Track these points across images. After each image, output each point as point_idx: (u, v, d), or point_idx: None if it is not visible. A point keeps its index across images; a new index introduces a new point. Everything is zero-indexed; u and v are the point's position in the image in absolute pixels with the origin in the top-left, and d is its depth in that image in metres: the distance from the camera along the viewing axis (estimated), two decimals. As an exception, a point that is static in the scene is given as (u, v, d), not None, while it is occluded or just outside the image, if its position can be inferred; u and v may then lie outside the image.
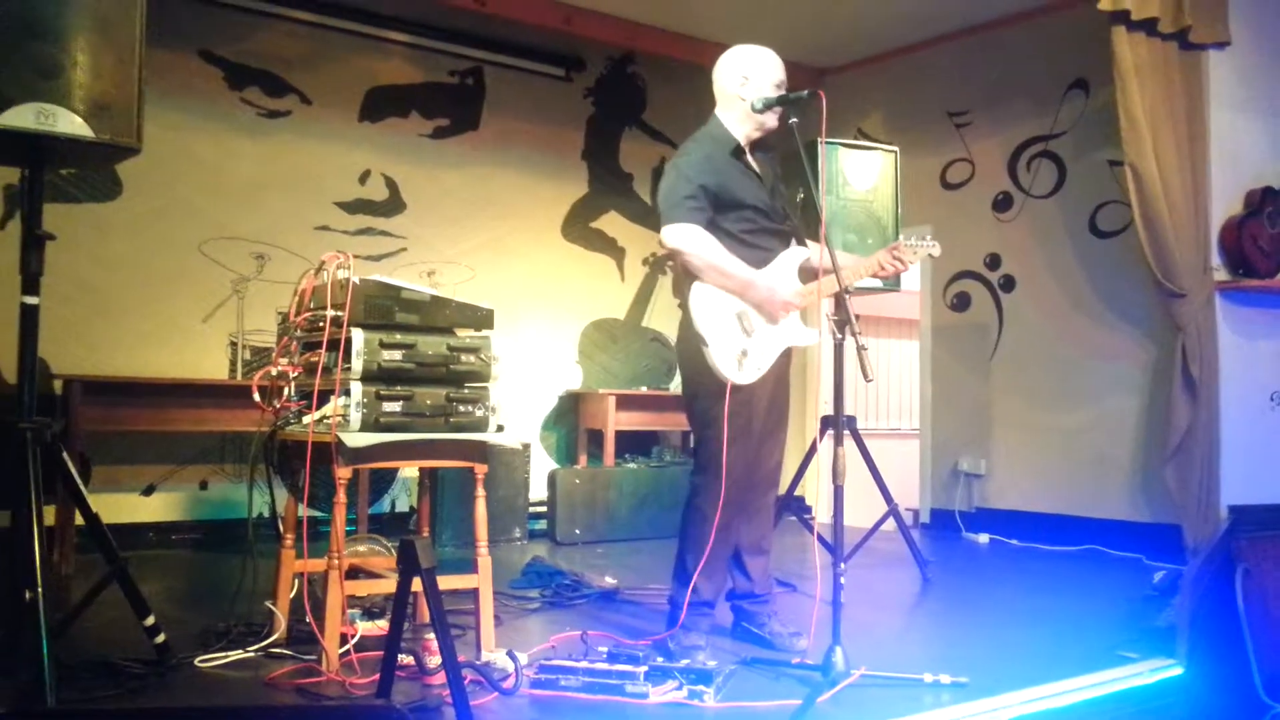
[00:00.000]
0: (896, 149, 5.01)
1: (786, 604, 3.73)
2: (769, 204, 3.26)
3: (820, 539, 4.28)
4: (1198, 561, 4.06)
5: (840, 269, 2.96)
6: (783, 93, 3.23)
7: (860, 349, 2.78)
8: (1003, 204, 6.18)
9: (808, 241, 3.35)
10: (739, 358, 3.11)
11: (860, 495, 4.32)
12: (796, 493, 5.07)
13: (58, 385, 4.74)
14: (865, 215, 4.80)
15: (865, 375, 2.75)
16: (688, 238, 3.11)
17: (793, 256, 3.26)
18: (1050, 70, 5.93)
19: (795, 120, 3.11)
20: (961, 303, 6.37)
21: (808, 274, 3.26)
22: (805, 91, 3.14)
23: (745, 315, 3.16)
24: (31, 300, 2.65)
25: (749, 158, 3.28)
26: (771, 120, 3.25)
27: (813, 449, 4.74)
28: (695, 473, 3.27)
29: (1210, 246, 4.87)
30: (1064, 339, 5.81)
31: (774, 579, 3.52)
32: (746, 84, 3.24)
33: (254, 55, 5.60)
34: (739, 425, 3.15)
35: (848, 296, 2.94)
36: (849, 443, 3.45)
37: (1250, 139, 5.03)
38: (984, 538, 5.93)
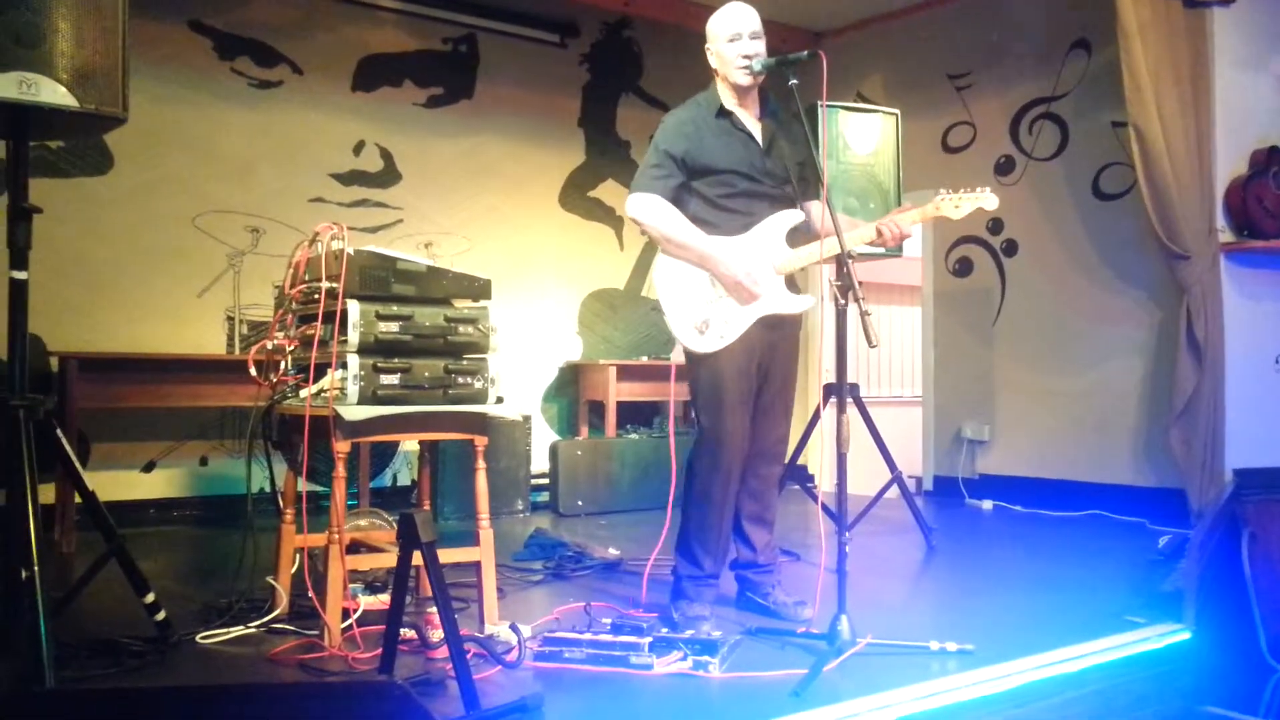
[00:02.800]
0: (897, 112, 4.95)
1: (791, 573, 3.72)
2: (759, 165, 3.20)
3: (824, 507, 4.27)
4: (1203, 525, 4.04)
5: (842, 233, 2.91)
6: (746, 46, 3.15)
7: (864, 314, 2.74)
8: (1005, 167, 6.11)
9: (809, 203, 3.29)
10: (699, 326, 3.12)
11: (863, 463, 4.29)
12: (799, 461, 5.05)
13: (54, 362, 4.70)
14: (866, 179, 4.74)
15: (869, 341, 2.70)
16: (644, 207, 3.14)
17: (781, 220, 3.20)
18: (1051, 30, 5.85)
19: (794, 82, 3.04)
20: (964, 268, 6.32)
21: (804, 237, 3.21)
22: (804, 53, 3.07)
23: (711, 283, 3.15)
24: (20, 275, 2.61)
25: (740, 117, 3.22)
26: (739, 77, 3.15)
27: (815, 417, 4.71)
28: (693, 443, 3.25)
29: (1215, 208, 4.81)
30: (1067, 303, 5.76)
31: (778, 549, 3.50)
32: (710, 47, 3.23)
33: (244, 24, 5.51)
34: (734, 394, 3.13)
35: (851, 261, 2.89)
36: (852, 410, 3.43)
37: (1255, 98, 4.96)
38: (988, 504, 5.91)
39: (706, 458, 3.18)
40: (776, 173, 3.23)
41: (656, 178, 3.15)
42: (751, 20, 3.18)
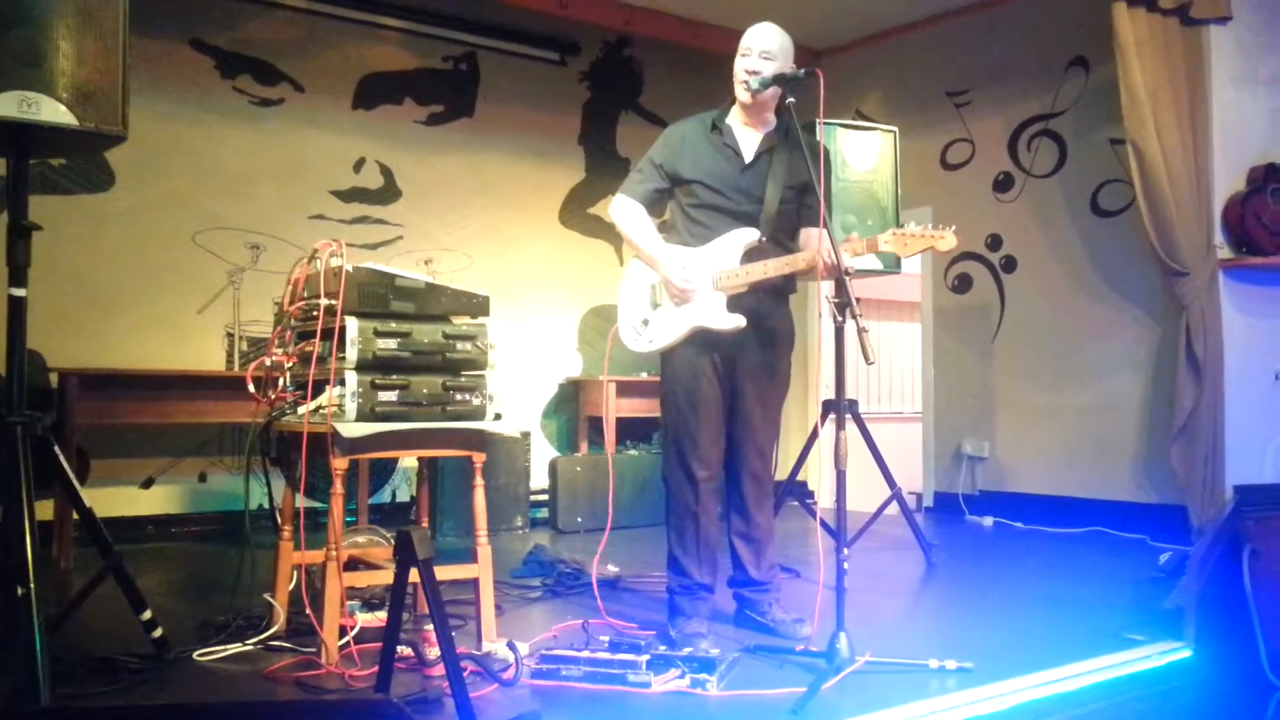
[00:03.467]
0: (895, 129, 4.96)
1: (789, 590, 3.70)
2: (729, 181, 3.22)
3: (823, 524, 4.26)
4: (1204, 542, 4.03)
5: (840, 249, 2.90)
6: (752, 63, 3.16)
7: (861, 331, 2.73)
8: (1003, 184, 6.13)
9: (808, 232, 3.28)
10: (636, 326, 3.31)
11: (863, 479, 4.29)
12: (799, 477, 5.04)
13: (54, 379, 4.70)
14: (864, 196, 4.75)
15: (866, 358, 2.70)
16: (617, 208, 3.33)
17: (736, 237, 3.20)
18: (1050, 48, 5.87)
19: (792, 100, 3.06)
20: (963, 284, 6.32)
21: (760, 256, 3.18)
22: (802, 70, 3.09)
23: (657, 289, 3.28)
24: (19, 292, 2.61)
25: (736, 133, 3.25)
26: (739, 92, 3.21)
27: (814, 433, 4.71)
28: (663, 456, 3.36)
29: (1213, 224, 4.82)
30: (1066, 319, 5.77)
31: (777, 566, 3.49)
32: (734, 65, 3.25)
33: (245, 43, 5.54)
34: (694, 404, 3.18)
35: (848, 278, 2.89)
36: (851, 427, 3.42)
37: (1253, 115, 4.98)
38: (988, 520, 5.90)
39: (674, 466, 3.24)
40: (749, 190, 3.22)
41: (636, 182, 3.31)
42: (766, 40, 3.20)
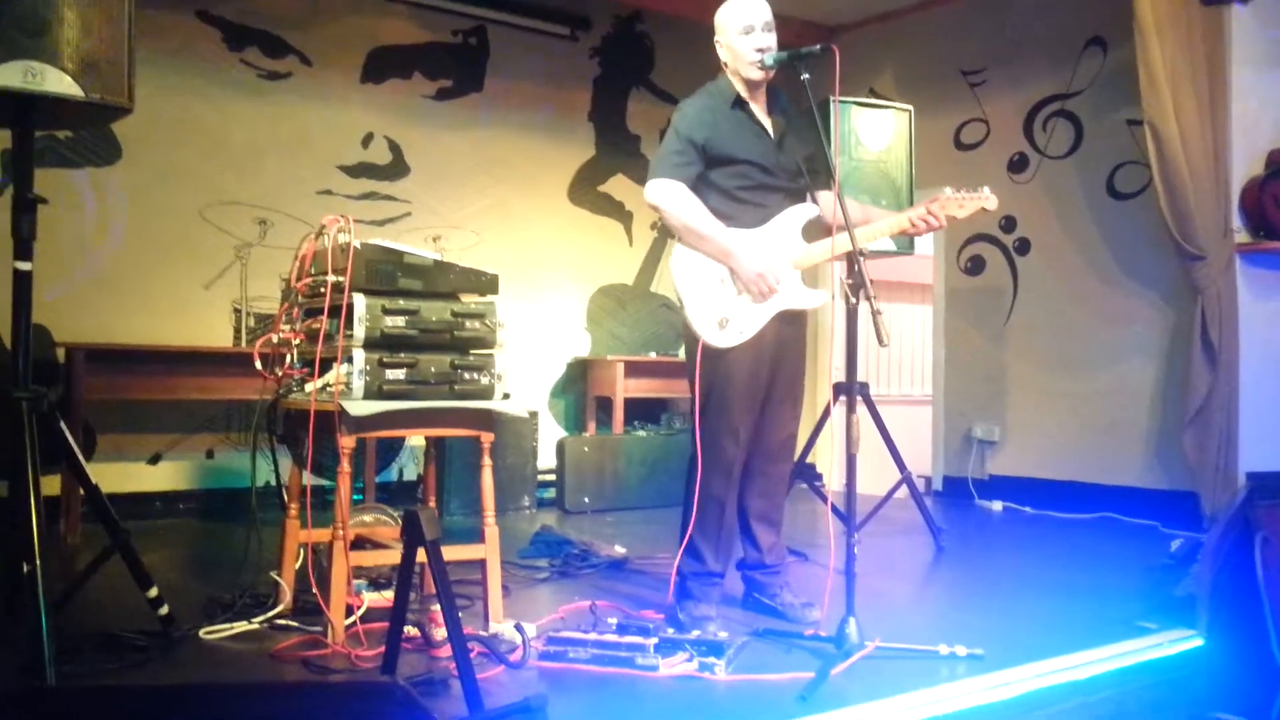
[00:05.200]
0: (910, 108, 4.90)
1: (799, 574, 3.69)
2: (773, 159, 3.16)
3: (833, 508, 4.23)
4: (1216, 529, 3.99)
5: (853, 226, 2.87)
6: (759, 39, 3.10)
7: (875, 313, 2.70)
8: (1018, 165, 6.06)
9: (820, 196, 3.25)
10: (719, 321, 3.09)
11: (872, 462, 4.25)
12: (808, 460, 5.02)
13: (61, 354, 4.68)
14: (878, 176, 4.70)
15: (880, 339, 2.66)
16: (666, 194, 3.09)
17: (796, 214, 3.16)
18: (1067, 27, 5.79)
19: (806, 77, 3.00)
20: (975, 266, 6.27)
21: (819, 231, 3.17)
22: (817, 46, 3.02)
23: (730, 278, 3.12)
24: (24, 266, 2.59)
25: (754, 109, 3.18)
26: (749, 71, 3.11)
27: (825, 415, 4.68)
28: (697, 439, 3.21)
29: (1231, 208, 4.76)
30: (1080, 303, 5.71)
31: (786, 549, 3.47)
32: (719, 39, 3.18)
33: (253, 15, 5.49)
34: (743, 390, 3.10)
35: (862, 259, 2.85)
36: (861, 409, 3.39)
37: (1273, 98, 4.90)
38: (997, 505, 5.87)
39: (711, 453, 3.15)
40: (789, 167, 3.20)
41: (678, 165, 3.09)
42: (764, 12, 3.13)
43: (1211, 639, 3.16)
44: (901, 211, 3.22)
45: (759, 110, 3.20)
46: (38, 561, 2.40)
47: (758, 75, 3.12)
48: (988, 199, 3.09)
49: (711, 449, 3.15)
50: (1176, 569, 3.98)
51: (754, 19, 3.11)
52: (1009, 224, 6.06)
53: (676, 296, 3.16)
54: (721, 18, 3.17)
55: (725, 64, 3.20)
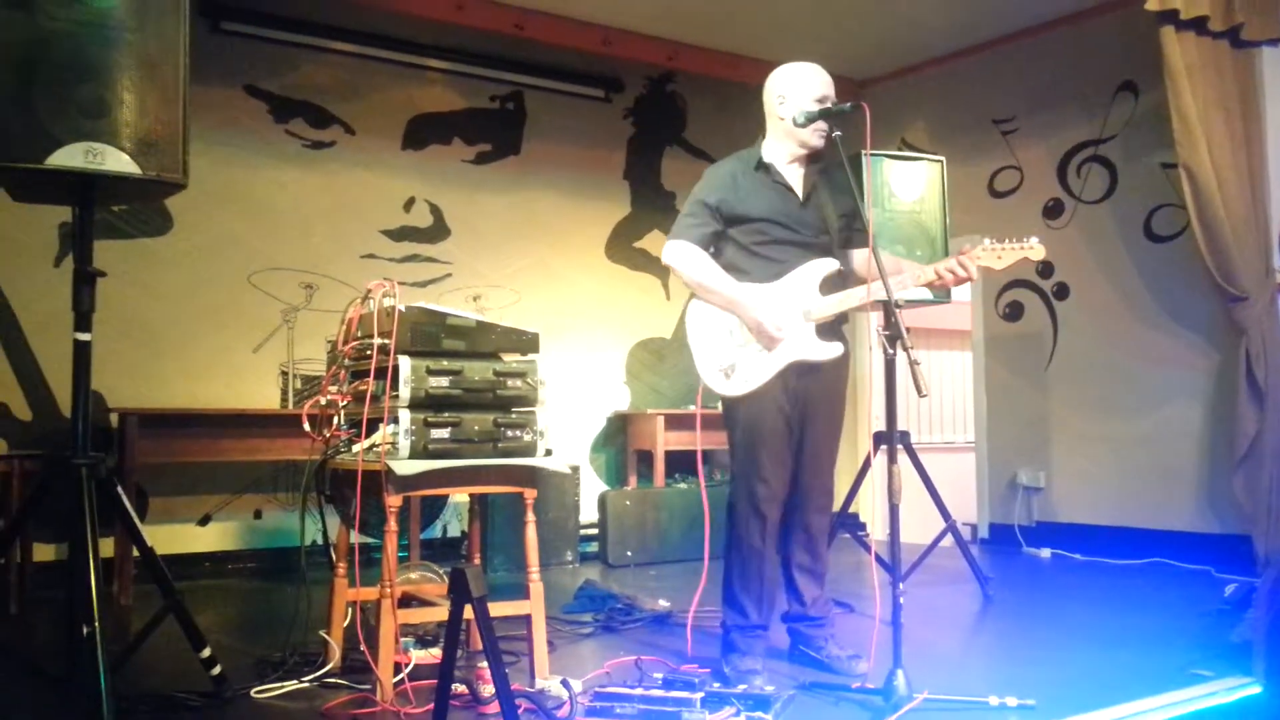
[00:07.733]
0: (943, 158, 4.94)
1: (844, 625, 3.66)
2: (795, 216, 3.21)
3: (877, 558, 4.21)
4: (1271, 573, 3.92)
5: (887, 277, 2.89)
6: (827, 106, 3.17)
7: (913, 363, 2.71)
8: (1053, 210, 6.07)
9: (855, 252, 3.30)
10: (725, 370, 3.17)
11: (916, 511, 4.23)
12: (851, 509, 4.99)
13: (114, 419, 4.80)
14: (913, 226, 4.72)
15: (919, 391, 2.68)
16: (676, 254, 3.21)
17: (814, 269, 3.20)
18: (1097, 73, 5.82)
19: (838, 134, 3.07)
20: (1014, 312, 6.25)
21: (840, 285, 3.20)
22: (848, 104, 3.08)
23: (739, 329, 3.18)
24: (83, 337, 2.68)
25: (780, 172, 3.23)
26: (814, 139, 3.18)
27: (866, 465, 4.66)
28: (731, 490, 3.26)
29: (1271, 247, 4.74)
30: (1121, 346, 5.67)
31: (831, 600, 3.45)
32: (784, 103, 3.22)
33: (298, 88, 5.68)
34: (769, 439, 3.15)
35: (898, 310, 2.87)
36: (903, 458, 3.38)
37: (1309, 136, 4.89)
38: (1045, 552, 5.79)
39: (744, 504, 3.18)
40: (813, 222, 3.24)
41: (691, 225, 3.22)
42: (829, 82, 3.22)
43: (1269, 685, 3.09)
44: (930, 265, 3.24)
45: (791, 169, 3.25)
46: (97, 623, 2.45)
47: (821, 144, 3.20)
48: (1033, 248, 3.08)
49: (743, 498, 3.19)
50: (1231, 614, 3.90)
51: (830, 90, 3.19)
52: (1046, 269, 6.05)
53: (688, 347, 3.26)
54: (792, 81, 3.21)
55: (779, 119, 3.22)
